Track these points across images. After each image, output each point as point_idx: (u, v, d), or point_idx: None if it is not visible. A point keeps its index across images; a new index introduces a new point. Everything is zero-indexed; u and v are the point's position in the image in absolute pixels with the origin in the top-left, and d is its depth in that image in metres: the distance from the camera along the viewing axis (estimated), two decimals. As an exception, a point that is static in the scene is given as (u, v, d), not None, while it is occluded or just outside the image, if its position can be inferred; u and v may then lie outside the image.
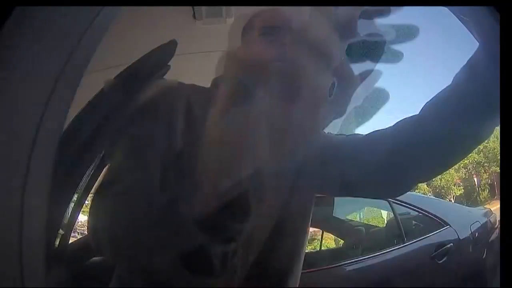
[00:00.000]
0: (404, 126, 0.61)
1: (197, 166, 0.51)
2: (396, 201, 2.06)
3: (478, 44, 0.52)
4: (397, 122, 0.62)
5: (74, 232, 1.21)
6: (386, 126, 0.64)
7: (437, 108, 0.57)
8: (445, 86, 0.58)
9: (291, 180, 0.62)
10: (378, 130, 0.64)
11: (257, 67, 0.52)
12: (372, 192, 0.73)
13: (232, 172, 0.47)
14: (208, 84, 0.67)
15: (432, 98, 0.59)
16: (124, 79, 0.69)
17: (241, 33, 0.68)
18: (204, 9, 1.47)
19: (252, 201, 0.54)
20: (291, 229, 0.62)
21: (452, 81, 0.56)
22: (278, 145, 0.46)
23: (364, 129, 0.65)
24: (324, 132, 0.70)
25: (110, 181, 0.57)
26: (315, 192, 0.68)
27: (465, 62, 0.55)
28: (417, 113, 0.61)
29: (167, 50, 0.69)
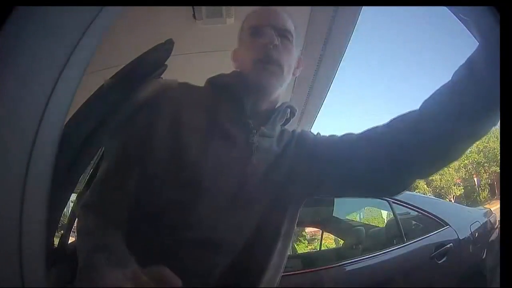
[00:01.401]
0: (403, 123, 0.60)
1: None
2: (396, 201, 2.05)
3: (478, 44, 0.52)
4: (393, 119, 0.62)
5: (74, 232, 1.21)
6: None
7: (437, 106, 0.57)
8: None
9: (278, 183, 0.62)
10: (374, 128, 0.63)
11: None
12: (369, 191, 0.72)
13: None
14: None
15: (431, 95, 0.58)
16: (120, 78, 0.69)
17: (238, 36, 0.70)
18: (204, 9, 1.47)
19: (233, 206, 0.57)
20: (271, 234, 0.61)
21: (452, 78, 0.56)
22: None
23: (362, 128, 0.65)
24: (314, 133, 0.70)
25: (102, 180, 0.59)
26: (304, 196, 0.67)
27: (464, 62, 0.55)
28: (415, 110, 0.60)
29: (164, 50, 0.69)
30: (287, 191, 0.62)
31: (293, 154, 0.65)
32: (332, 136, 0.68)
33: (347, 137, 0.66)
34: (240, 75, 0.64)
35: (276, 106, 0.66)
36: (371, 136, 0.63)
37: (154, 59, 0.70)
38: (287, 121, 0.70)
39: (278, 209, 0.62)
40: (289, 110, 0.68)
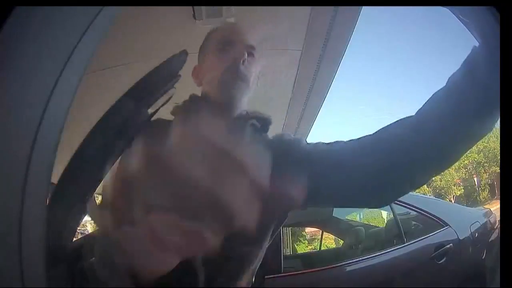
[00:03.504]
0: (400, 129, 0.58)
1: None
2: (396, 201, 2.06)
3: (478, 44, 0.52)
4: (379, 131, 0.59)
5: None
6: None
7: (435, 107, 0.56)
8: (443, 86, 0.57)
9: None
10: (367, 136, 0.60)
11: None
12: (362, 200, 0.67)
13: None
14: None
15: (430, 97, 0.57)
16: (135, 92, 0.69)
17: (199, 52, 0.69)
18: (204, 9, 1.47)
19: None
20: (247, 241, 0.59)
21: (449, 82, 0.55)
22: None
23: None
24: (305, 142, 0.66)
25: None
26: (298, 207, 0.63)
27: (463, 62, 0.55)
28: (413, 114, 0.59)
29: (178, 60, 0.69)
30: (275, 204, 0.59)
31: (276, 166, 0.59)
32: (319, 144, 0.65)
33: (338, 145, 0.63)
34: (198, 97, 0.64)
35: (236, 119, 0.64)
36: (366, 143, 0.60)
37: (169, 71, 0.70)
38: (263, 129, 0.66)
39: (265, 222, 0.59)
40: (253, 121, 0.65)
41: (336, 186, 0.60)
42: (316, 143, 0.65)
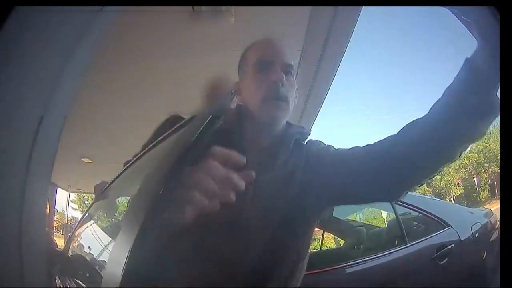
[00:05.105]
0: (413, 133, 0.60)
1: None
2: (397, 202, 2.05)
3: (477, 44, 0.52)
4: (400, 131, 0.61)
5: (78, 235, 1.21)
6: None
7: (442, 108, 0.57)
8: (444, 86, 0.58)
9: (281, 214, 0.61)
10: (379, 141, 0.63)
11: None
12: (373, 197, 0.73)
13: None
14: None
15: (438, 99, 0.58)
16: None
17: (238, 68, 0.69)
18: (204, 9, 1.47)
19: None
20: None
21: (453, 81, 0.56)
22: None
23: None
24: (328, 146, 0.69)
25: None
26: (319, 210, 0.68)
27: (464, 62, 0.55)
28: (416, 112, 0.61)
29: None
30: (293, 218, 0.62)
31: (299, 180, 0.64)
32: (330, 147, 0.69)
33: (353, 150, 0.66)
34: (242, 111, 0.65)
35: (279, 139, 0.65)
36: (383, 146, 0.62)
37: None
38: (298, 144, 0.68)
39: (288, 235, 0.62)
40: (297, 136, 0.67)
41: (358, 185, 0.63)
42: (339, 148, 0.68)
